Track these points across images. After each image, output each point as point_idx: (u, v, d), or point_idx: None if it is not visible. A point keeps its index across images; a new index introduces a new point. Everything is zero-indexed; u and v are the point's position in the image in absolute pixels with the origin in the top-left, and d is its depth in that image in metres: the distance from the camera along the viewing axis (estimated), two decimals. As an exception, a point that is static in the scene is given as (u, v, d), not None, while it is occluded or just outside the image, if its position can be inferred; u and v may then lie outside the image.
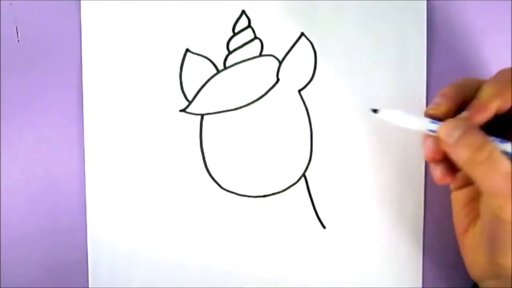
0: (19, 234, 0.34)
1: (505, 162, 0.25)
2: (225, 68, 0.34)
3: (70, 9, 0.33)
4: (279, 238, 0.34)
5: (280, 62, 0.34)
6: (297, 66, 0.34)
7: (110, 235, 0.34)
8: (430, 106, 0.29)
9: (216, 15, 0.34)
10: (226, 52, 0.34)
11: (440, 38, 0.35)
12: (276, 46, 0.34)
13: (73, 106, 0.34)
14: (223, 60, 0.34)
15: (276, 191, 0.34)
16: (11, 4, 0.33)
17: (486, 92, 0.28)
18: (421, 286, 0.35)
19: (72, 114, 0.34)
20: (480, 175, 0.26)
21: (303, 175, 0.35)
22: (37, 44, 0.33)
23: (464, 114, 0.28)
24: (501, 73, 0.28)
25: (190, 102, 0.34)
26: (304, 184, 0.35)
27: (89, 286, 0.34)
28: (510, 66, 0.35)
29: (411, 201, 0.35)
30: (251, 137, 0.34)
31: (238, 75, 0.34)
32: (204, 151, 0.34)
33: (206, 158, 0.34)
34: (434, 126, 0.28)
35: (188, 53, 0.34)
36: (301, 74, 0.34)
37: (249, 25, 0.34)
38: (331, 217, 0.35)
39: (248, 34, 0.34)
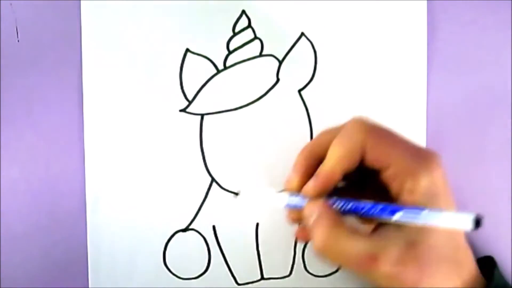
0: (19, 234, 0.34)
1: (354, 243, 0.26)
2: (225, 68, 0.34)
3: (70, 9, 0.33)
4: (279, 238, 0.34)
5: (280, 62, 0.34)
6: (297, 66, 0.34)
7: (110, 235, 0.34)
8: (285, 182, 0.30)
9: (216, 15, 0.34)
10: (226, 52, 0.34)
11: (440, 38, 0.35)
12: (276, 46, 0.34)
13: (73, 106, 0.34)
14: (223, 60, 0.34)
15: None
16: (11, 4, 0.33)
17: (329, 160, 0.28)
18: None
19: (72, 114, 0.34)
20: (332, 260, 0.27)
21: (303, 175, 0.34)
22: (37, 44, 0.33)
23: (310, 184, 0.28)
24: (345, 133, 0.28)
25: (190, 102, 0.34)
26: (304, 184, 0.35)
27: (89, 286, 0.34)
28: (509, 66, 0.36)
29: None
30: (251, 137, 0.34)
31: (238, 75, 0.34)
32: (204, 151, 0.34)
33: (206, 158, 0.34)
34: (295, 199, 0.29)
35: (188, 53, 0.34)
36: (301, 74, 0.34)
37: (249, 25, 0.34)
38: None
39: (248, 34, 0.34)
